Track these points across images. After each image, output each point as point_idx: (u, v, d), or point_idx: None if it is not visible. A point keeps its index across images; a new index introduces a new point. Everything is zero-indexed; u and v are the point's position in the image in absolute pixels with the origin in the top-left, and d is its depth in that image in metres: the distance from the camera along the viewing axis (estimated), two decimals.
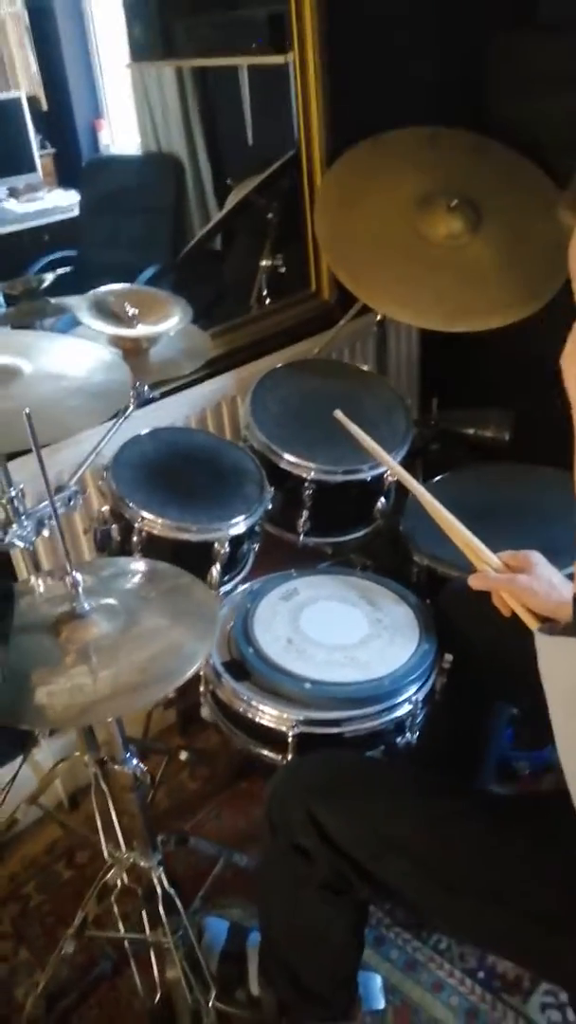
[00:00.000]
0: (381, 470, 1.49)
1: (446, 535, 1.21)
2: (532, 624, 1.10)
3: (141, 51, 2.37)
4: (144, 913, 1.23)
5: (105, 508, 1.37)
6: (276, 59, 1.87)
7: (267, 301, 2.05)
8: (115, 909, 1.28)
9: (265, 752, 1.17)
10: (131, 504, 1.31)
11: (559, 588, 1.12)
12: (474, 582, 1.15)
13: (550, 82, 1.87)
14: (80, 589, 1.01)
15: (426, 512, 1.29)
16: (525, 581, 1.12)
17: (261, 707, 1.15)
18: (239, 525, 1.34)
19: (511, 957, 1.09)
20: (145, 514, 1.30)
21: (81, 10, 2.69)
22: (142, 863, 1.21)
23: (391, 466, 1.29)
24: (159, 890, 1.20)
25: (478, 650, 1.22)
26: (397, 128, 1.74)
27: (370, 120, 1.75)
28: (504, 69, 1.94)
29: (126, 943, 1.33)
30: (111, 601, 1.05)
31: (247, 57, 2.07)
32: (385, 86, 1.86)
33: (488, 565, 1.16)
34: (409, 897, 0.99)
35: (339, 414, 1.27)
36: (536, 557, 1.16)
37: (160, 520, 1.30)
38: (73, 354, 1.18)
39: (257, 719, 1.15)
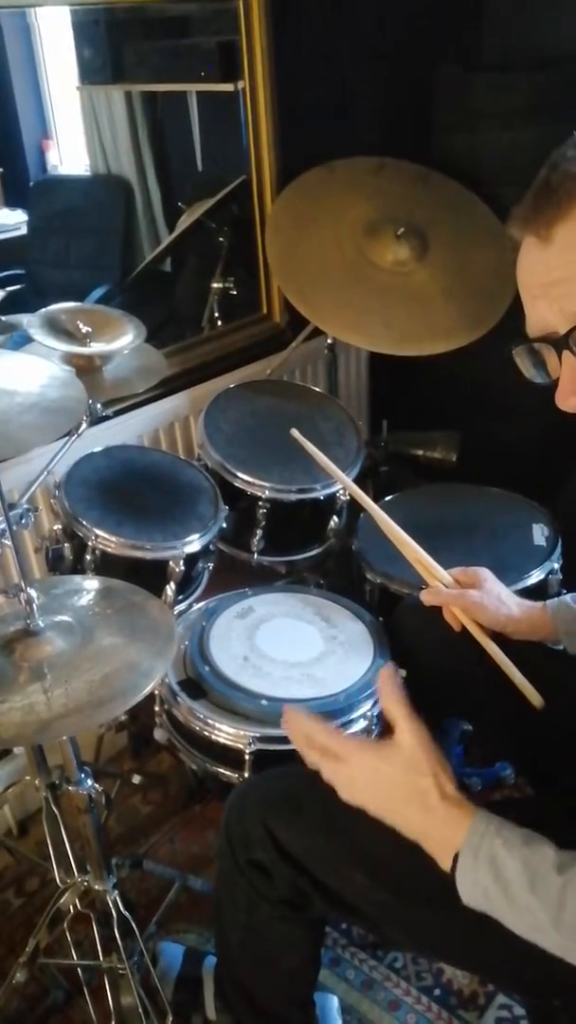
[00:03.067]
0: (334, 489, 1.51)
1: (398, 552, 1.23)
2: (481, 638, 1.13)
3: (91, 74, 2.38)
4: (98, 939, 1.20)
5: (57, 527, 1.36)
6: (226, 87, 1.91)
7: (219, 323, 2.07)
8: (68, 936, 1.25)
9: (222, 770, 1.16)
10: (85, 522, 1.30)
11: (507, 604, 1.15)
12: (426, 597, 1.18)
13: (491, 118, 1.94)
14: (35, 606, 0.99)
15: (378, 531, 1.31)
16: (475, 596, 1.14)
17: (218, 725, 1.15)
18: (194, 543, 1.35)
19: (471, 968, 1.10)
20: (99, 532, 1.29)
21: (29, 30, 2.69)
22: (96, 887, 1.19)
23: (346, 484, 1.31)
24: (115, 914, 1.17)
25: (431, 667, 1.23)
26: (346, 156, 1.79)
27: (319, 148, 1.80)
28: (448, 104, 2.01)
29: (79, 971, 1.30)
30: (66, 618, 1.04)
31: (197, 84, 2.11)
32: (334, 116, 1.91)
33: (439, 581, 1.19)
34: (368, 911, 0.99)
35: (295, 433, 1.28)
36: (485, 573, 1.19)
37: (115, 538, 1.29)
38: (25, 370, 1.17)
39: (213, 737, 1.15)
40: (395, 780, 0.84)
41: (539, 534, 1.49)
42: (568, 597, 1.15)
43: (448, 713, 1.32)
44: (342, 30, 1.88)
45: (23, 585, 0.99)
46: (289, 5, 1.75)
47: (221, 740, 1.15)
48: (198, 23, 2.08)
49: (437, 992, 1.37)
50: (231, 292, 2.08)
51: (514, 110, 1.91)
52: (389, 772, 0.84)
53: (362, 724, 1.17)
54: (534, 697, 1.08)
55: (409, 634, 1.28)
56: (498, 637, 1.14)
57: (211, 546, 1.42)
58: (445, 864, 0.81)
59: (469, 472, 1.71)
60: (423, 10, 1.94)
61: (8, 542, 1.06)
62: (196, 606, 1.37)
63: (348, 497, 1.52)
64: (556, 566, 1.43)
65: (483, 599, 1.14)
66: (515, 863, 0.76)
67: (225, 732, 1.14)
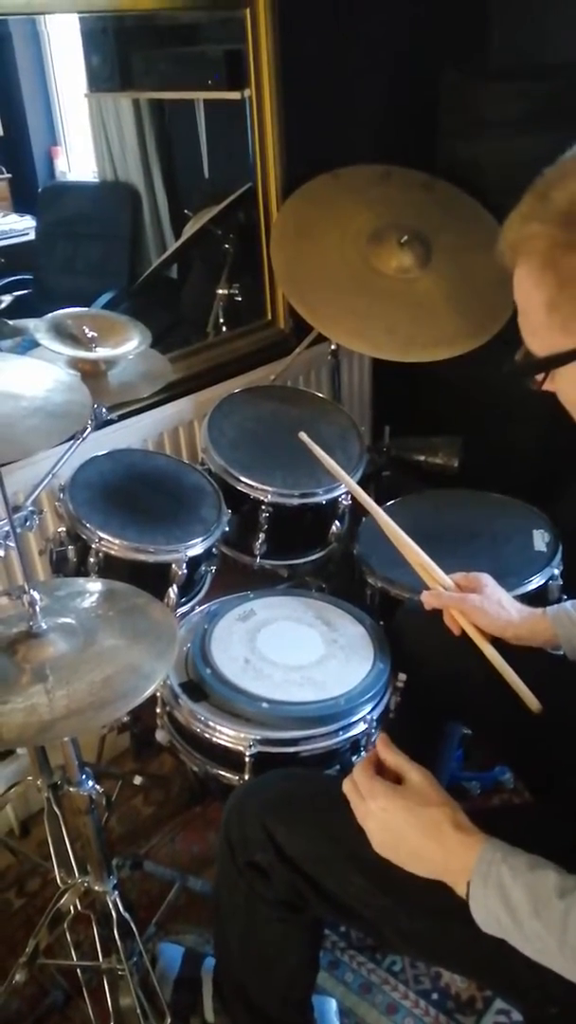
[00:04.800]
0: (336, 494, 1.52)
1: (400, 556, 1.24)
2: (480, 643, 1.14)
3: (99, 81, 2.41)
4: (98, 940, 1.21)
5: (62, 529, 1.37)
6: (232, 95, 1.92)
7: (223, 329, 2.08)
8: (68, 937, 1.26)
9: (222, 772, 1.17)
10: (88, 525, 1.32)
11: (507, 609, 1.16)
12: (427, 599, 1.19)
13: (495, 126, 1.96)
14: (37, 608, 1.00)
15: (380, 536, 1.32)
16: (476, 600, 1.15)
17: (218, 727, 1.15)
18: (197, 547, 1.36)
19: (467, 974, 1.11)
20: (103, 535, 1.30)
21: (39, 38, 2.72)
22: (96, 888, 1.20)
23: (351, 487, 1.32)
24: (114, 915, 1.18)
25: (431, 671, 1.24)
26: (350, 164, 1.80)
27: (324, 156, 1.81)
28: (453, 112, 2.02)
29: (79, 972, 1.30)
30: (68, 620, 1.05)
31: (204, 92, 2.12)
32: (339, 124, 1.93)
33: (441, 585, 1.20)
34: (365, 915, 0.99)
35: (304, 436, 1.29)
36: (486, 579, 1.19)
37: (118, 541, 1.30)
38: (31, 374, 1.19)
39: (214, 739, 1.15)
40: (411, 812, 0.87)
41: (540, 540, 1.49)
42: (569, 604, 1.16)
43: (448, 717, 1.33)
44: (348, 39, 1.89)
45: (26, 587, 1.00)
46: (295, 14, 1.76)
47: (222, 742, 1.15)
48: (206, 32, 2.10)
49: (435, 996, 1.37)
50: (236, 298, 2.09)
51: (519, 118, 1.92)
52: (405, 806, 0.87)
53: (362, 727, 1.17)
54: (532, 702, 1.09)
55: (410, 638, 1.28)
56: (497, 642, 1.15)
57: (214, 549, 1.43)
58: (461, 892, 0.83)
59: (471, 478, 1.72)
60: (428, 18, 1.96)
61: (12, 544, 1.08)
62: (198, 609, 1.38)
63: (350, 502, 1.54)
64: (556, 572, 1.43)
65: (483, 603, 1.15)
66: (520, 890, 0.78)
67: (226, 734, 1.15)
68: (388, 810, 0.88)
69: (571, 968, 0.77)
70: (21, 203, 2.85)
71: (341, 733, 1.15)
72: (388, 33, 1.95)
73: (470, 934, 0.90)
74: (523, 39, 2.07)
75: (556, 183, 0.73)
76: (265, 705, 1.15)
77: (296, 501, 1.50)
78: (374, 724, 1.19)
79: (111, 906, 1.19)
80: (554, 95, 1.92)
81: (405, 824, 0.87)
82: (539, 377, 0.79)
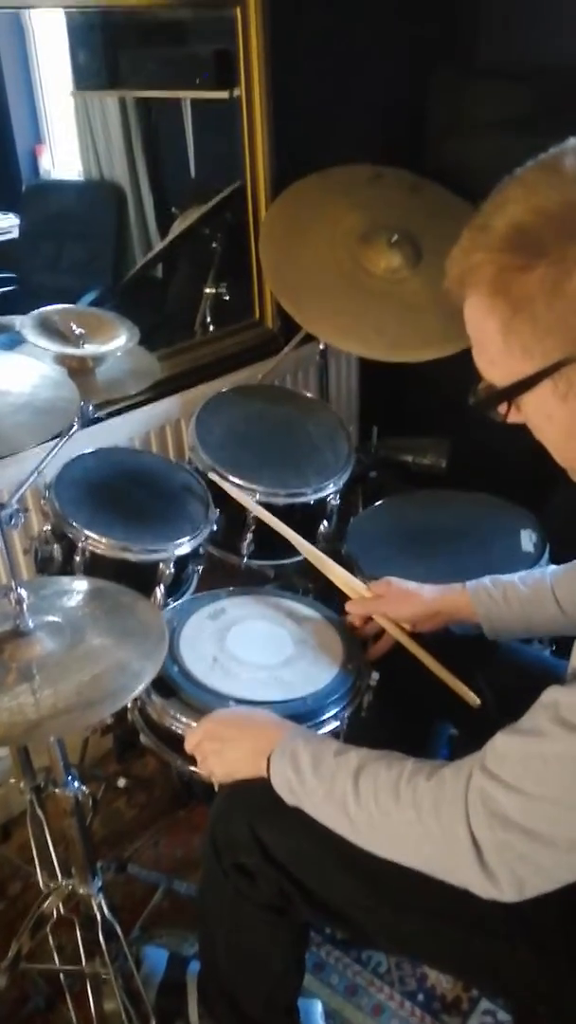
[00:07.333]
0: (325, 493, 1.52)
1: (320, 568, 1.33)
2: (410, 645, 1.20)
3: (85, 80, 2.39)
4: (81, 943, 1.20)
5: (47, 528, 1.35)
6: (220, 94, 1.92)
7: (211, 328, 2.07)
8: (50, 941, 1.24)
9: (192, 769, 1.13)
10: (74, 523, 1.30)
11: (417, 592, 1.23)
12: (350, 608, 1.28)
13: (486, 127, 1.96)
14: (24, 606, 0.99)
15: (368, 536, 1.32)
16: (384, 602, 1.24)
17: (190, 721, 1.12)
18: (184, 546, 1.34)
19: (457, 973, 1.11)
20: (89, 533, 1.29)
21: (24, 33, 2.70)
22: (81, 891, 1.18)
23: (259, 512, 1.41)
24: (99, 918, 1.16)
25: (413, 670, 1.24)
26: (340, 164, 1.80)
27: (314, 156, 1.81)
28: (443, 111, 2.03)
29: (61, 976, 1.28)
30: (55, 619, 1.03)
31: (192, 91, 2.11)
32: (329, 124, 1.93)
33: (362, 594, 1.28)
34: (352, 916, 0.99)
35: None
36: (393, 579, 1.26)
37: (104, 539, 1.29)
38: (17, 371, 1.17)
39: (182, 732, 1.12)
40: (232, 715, 1.07)
41: (527, 540, 1.49)
42: (487, 579, 1.19)
43: (433, 715, 1.33)
44: (338, 38, 1.89)
45: (13, 585, 0.99)
46: (286, 13, 1.76)
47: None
48: (194, 30, 2.09)
49: (420, 997, 1.36)
50: (224, 297, 2.08)
51: (509, 118, 1.93)
52: (227, 713, 1.07)
53: (333, 725, 1.15)
54: (469, 697, 1.14)
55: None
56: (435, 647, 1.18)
57: (201, 549, 1.41)
58: (265, 771, 0.96)
59: (459, 478, 1.72)
60: (420, 18, 1.96)
61: None
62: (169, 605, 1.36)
63: (339, 501, 1.53)
64: None
65: (391, 601, 1.23)
66: (307, 755, 0.93)
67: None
68: (212, 719, 1.05)
69: (333, 815, 0.90)
70: (4, 201, 2.82)
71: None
72: (379, 32, 1.95)
73: (460, 934, 0.90)
74: (514, 40, 2.08)
75: (494, 213, 0.73)
76: (232, 703, 1.13)
77: (283, 501, 1.49)
78: (345, 723, 1.17)
79: (96, 909, 1.18)
80: (545, 96, 1.92)
81: (228, 722, 1.04)
82: (502, 410, 0.78)
